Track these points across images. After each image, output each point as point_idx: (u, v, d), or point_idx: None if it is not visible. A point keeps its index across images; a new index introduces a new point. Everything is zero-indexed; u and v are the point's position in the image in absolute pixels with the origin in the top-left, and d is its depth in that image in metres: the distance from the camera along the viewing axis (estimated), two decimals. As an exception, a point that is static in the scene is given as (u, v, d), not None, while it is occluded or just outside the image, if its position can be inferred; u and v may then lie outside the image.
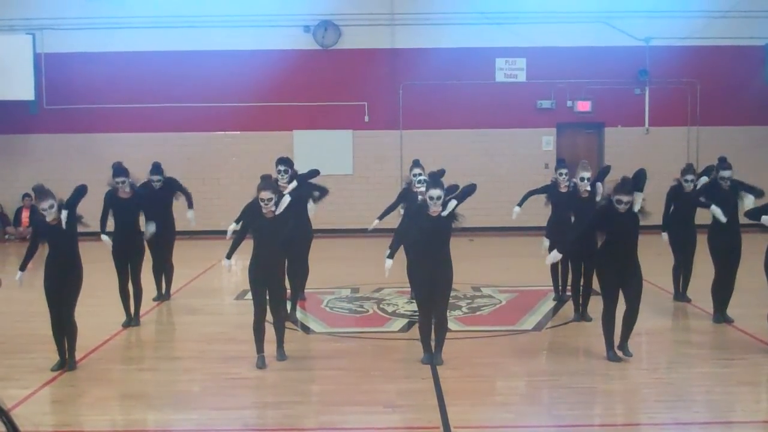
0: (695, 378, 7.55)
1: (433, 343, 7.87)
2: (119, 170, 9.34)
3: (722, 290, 9.45)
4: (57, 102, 18.03)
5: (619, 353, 7.93)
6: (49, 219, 7.58)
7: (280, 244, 7.87)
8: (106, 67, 17.99)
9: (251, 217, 7.83)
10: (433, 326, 7.82)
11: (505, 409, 6.76)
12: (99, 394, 7.14)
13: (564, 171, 10.14)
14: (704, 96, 18.17)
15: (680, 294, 10.66)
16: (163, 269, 10.88)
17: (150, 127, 18.07)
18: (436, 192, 7.58)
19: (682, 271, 10.62)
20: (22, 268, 7.86)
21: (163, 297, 10.93)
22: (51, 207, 7.54)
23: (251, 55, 17.98)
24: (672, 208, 10.28)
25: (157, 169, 10.66)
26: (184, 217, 10.89)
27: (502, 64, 18.33)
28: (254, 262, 7.84)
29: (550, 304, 10.49)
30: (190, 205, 10.82)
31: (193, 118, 18.11)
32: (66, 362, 7.79)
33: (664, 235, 10.31)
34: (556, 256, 8.22)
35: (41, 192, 7.59)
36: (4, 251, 17.17)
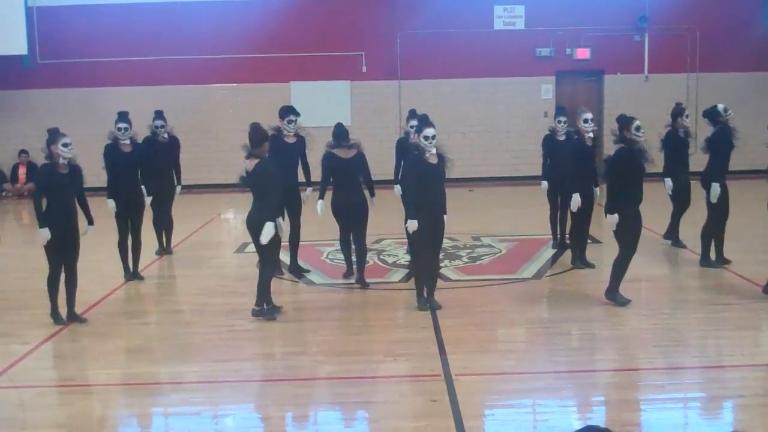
0: (693, 323, 7.60)
1: (426, 290, 7.98)
2: (122, 117, 9.35)
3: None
4: (51, 56, 17.80)
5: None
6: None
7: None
8: (99, 20, 17.72)
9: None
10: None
11: (505, 356, 6.83)
12: (101, 348, 7.18)
13: (563, 119, 10.17)
14: (704, 42, 17.95)
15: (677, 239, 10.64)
16: (163, 223, 10.93)
17: (145, 80, 17.86)
18: (430, 131, 7.61)
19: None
20: (43, 225, 7.59)
21: (164, 251, 10.98)
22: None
23: (246, 5, 17.71)
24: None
25: (159, 115, 10.68)
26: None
27: (501, 11, 18.07)
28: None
29: (550, 252, 10.50)
30: (179, 181, 10.93)
31: (189, 71, 17.90)
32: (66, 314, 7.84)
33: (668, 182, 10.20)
34: (577, 201, 9.01)
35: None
36: (3, 208, 17.13)
